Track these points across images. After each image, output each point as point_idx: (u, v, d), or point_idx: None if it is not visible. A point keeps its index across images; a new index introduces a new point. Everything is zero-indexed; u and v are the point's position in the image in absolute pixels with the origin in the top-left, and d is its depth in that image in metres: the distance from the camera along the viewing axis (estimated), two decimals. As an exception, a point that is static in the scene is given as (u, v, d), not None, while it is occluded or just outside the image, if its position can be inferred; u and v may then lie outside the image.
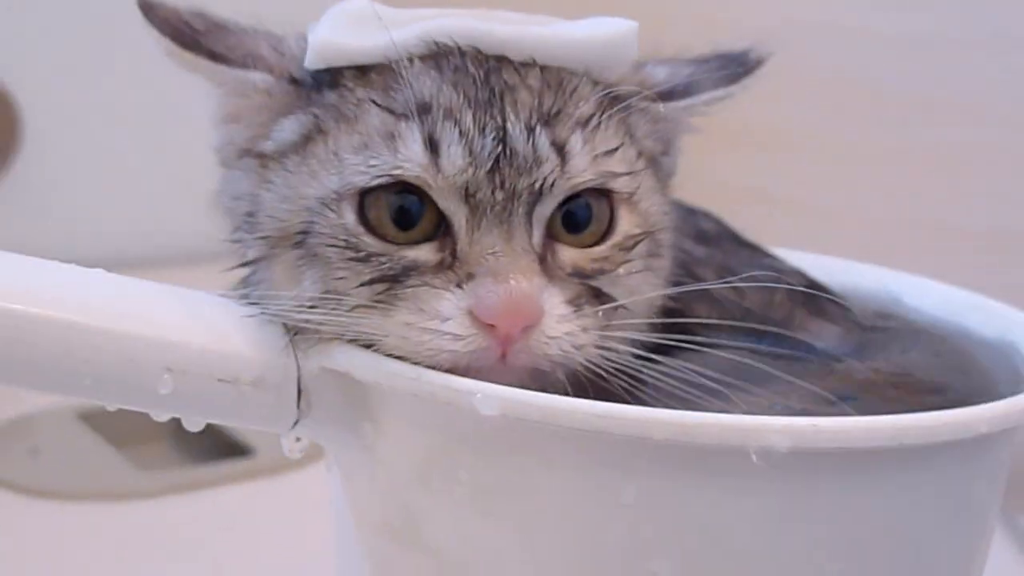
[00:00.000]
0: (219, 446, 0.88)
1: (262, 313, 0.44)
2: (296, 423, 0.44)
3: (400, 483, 0.44)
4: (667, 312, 0.47)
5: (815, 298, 0.52)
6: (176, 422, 0.85)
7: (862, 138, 1.01)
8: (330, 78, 0.45)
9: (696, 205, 0.56)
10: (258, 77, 0.46)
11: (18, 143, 1.17)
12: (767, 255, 0.55)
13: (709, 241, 0.53)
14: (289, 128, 0.46)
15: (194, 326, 0.43)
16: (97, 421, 0.89)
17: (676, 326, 0.46)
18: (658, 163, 0.49)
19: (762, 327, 0.48)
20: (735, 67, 0.49)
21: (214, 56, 0.46)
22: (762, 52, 0.49)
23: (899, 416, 0.39)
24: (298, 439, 0.46)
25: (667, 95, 0.48)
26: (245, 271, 0.47)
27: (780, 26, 1.01)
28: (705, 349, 0.45)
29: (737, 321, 0.48)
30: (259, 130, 0.46)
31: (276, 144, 0.46)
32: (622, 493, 0.40)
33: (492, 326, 0.41)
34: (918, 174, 0.98)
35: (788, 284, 0.52)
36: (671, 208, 0.50)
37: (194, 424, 0.44)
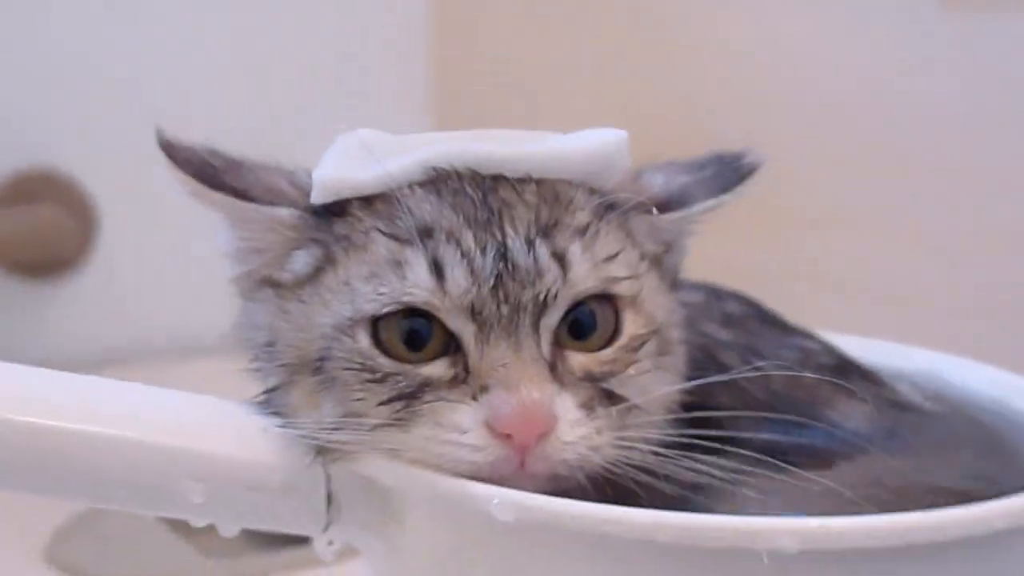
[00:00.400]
0: (285, 534, 0.89)
1: (287, 430, 0.46)
2: (327, 527, 0.46)
3: (427, 581, 0.45)
4: (688, 405, 0.48)
5: (845, 375, 0.52)
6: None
7: (916, 215, 1.00)
8: (338, 208, 0.47)
9: (725, 287, 0.56)
10: (285, 213, 0.48)
11: (95, 236, 1.20)
12: (796, 333, 0.55)
13: (734, 324, 0.54)
14: (302, 260, 0.47)
15: (223, 436, 0.45)
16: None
17: (698, 418, 0.46)
18: (661, 263, 0.50)
19: (784, 416, 0.48)
20: (729, 174, 0.50)
21: (239, 194, 0.48)
22: (756, 159, 0.50)
23: (907, 514, 0.39)
24: (330, 542, 0.47)
25: (662, 206, 0.49)
26: (268, 397, 0.48)
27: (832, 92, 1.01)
28: (728, 441, 0.45)
29: (762, 406, 0.48)
30: (278, 261, 0.48)
31: (291, 275, 0.47)
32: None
33: (508, 436, 0.42)
34: (969, 253, 0.96)
35: (816, 364, 0.52)
36: (690, 287, 0.51)
37: (227, 530, 0.46)
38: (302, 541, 0.86)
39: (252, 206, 0.48)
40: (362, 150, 0.47)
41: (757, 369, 0.48)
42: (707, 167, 0.51)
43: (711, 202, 0.50)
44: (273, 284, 0.48)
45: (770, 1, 1.08)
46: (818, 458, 0.46)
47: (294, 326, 0.47)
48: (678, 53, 1.12)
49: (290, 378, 0.47)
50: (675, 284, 0.51)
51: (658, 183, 0.50)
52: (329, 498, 0.45)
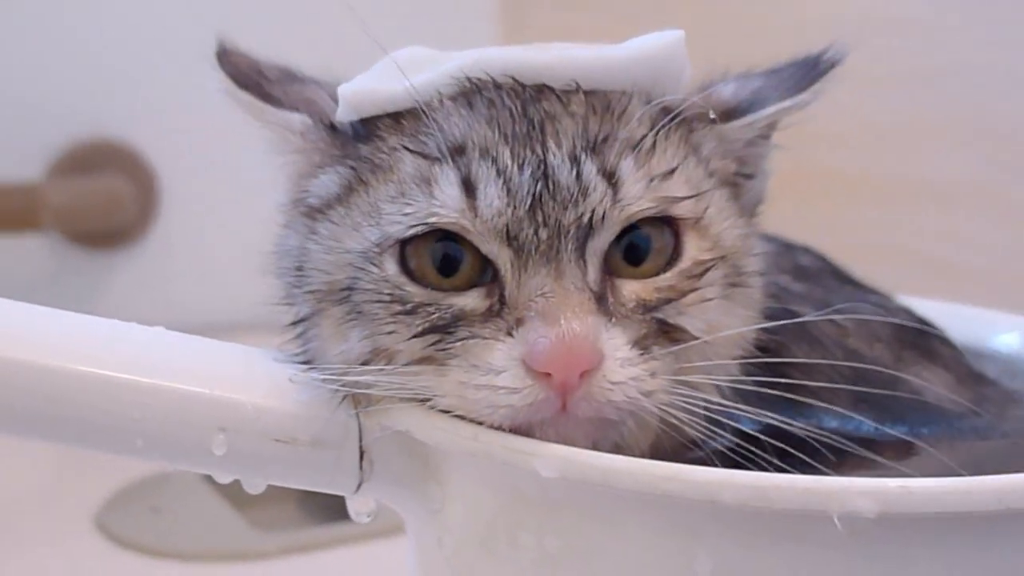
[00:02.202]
0: (340, 506, 0.87)
1: (311, 375, 0.42)
2: (360, 485, 0.42)
3: (465, 548, 0.41)
4: (760, 353, 0.43)
5: (925, 338, 0.48)
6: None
7: (996, 186, 0.95)
8: (366, 130, 0.43)
9: (796, 240, 0.52)
10: (296, 119, 0.45)
11: (156, 208, 1.20)
12: (872, 292, 0.51)
13: (808, 277, 0.49)
14: (329, 181, 0.44)
15: (248, 384, 0.41)
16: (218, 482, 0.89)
17: (770, 369, 0.42)
18: (738, 186, 0.45)
19: (865, 389, 0.43)
20: (806, 73, 0.45)
21: (264, 97, 0.45)
22: (837, 53, 0.45)
23: (1000, 477, 0.34)
24: (365, 503, 0.44)
25: (730, 113, 0.45)
26: (298, 329, 0.45)
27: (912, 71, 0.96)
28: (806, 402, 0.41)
29: (840, 362, 0.44)
30: (302, 180, 0.45)
31: (319, 198, 0.44)
32: (694, 561, 0.36)
33: (548, 374, 0.38)
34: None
35: (895, 321, 0.48)
36: (761, 238, 0.46)
37: (254, 486, 0.43)
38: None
39: (268, 107, 0.45)
40: (402, 63, 0.43)
41: (844, 318, 0.44)
42: (784, 70, 0.46)
43: (786, 103, 0.44)
44: (304, 206, 0.45)
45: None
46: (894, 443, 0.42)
47: (323, 248, 0.43)
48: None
49: (318, 307, 0.43)
50: (755, 212, 0.46)
51: (728, 92, 0.45)
52: (362, 453, 0.42)
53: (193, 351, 0.42)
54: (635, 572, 0.38)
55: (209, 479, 0.88)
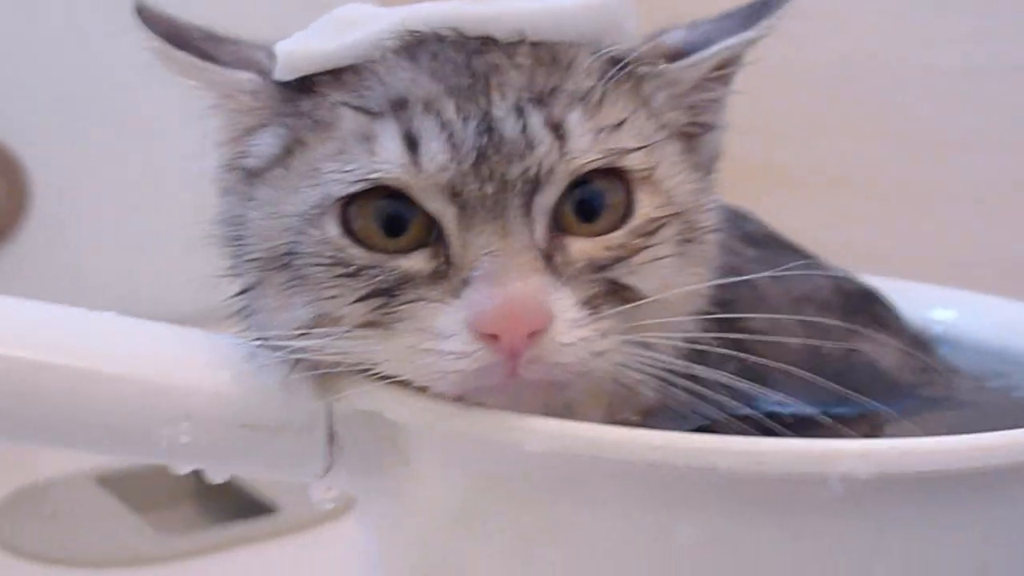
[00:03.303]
0: (241, 505, 0.85)
1: (258, 345, 0.40)
2: (328, 470, 0.41)
3: (436, 530, 0.41)
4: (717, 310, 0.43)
5: (871, 303, 0.49)
6: (195, 483, 0.82)
7: (914, 174, 0.98)
8: (306, 85, 0.42)
9: (740, 207, 0.52)
10: (245, 77, 0.43)
11: (26, 206, 1.16)
12: (813, 257, 0.51)
13: (757, 242, 0.49)
14: (267, 141, 0.42)
15: (213, 369, 0.40)
16: (116, 485, 0.86)
17: (725, 332, 0.41)
18: (692, 137, 0.44)
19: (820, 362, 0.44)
20: (755, 12, 0.44)
21: (205, 56, 0.43)
22: None
23: (989, 434, 0.35)
24: (328, 488, 0.43)
25: (678, 55, 0.44)
26: (243, 301, 0.43)
27: (839, 62, 0.99)
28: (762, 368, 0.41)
29: (796, 337, 0.44)
30: (243, 142, 0.43)
31: (257, 159, 0.42)
32: (680, 534, 0.36)
33: (495, 337, 0.37)
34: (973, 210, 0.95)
35: (844, 290, 0.49)
36: (714, 194, 0.45)
37: (219, 475, 0.41)
38: (258, 512, 0.84)
39: (214, 67, 0.43)
40: (339, 21, 0.42)
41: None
42: (735, 15, 0.44)
43: (731, 40, 0.43)
44: (242, 170, 0.43)
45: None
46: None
47: (262, 214, 0.41)
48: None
49: (260, 276, 0.41)
50: (711, 167, 0.45)
51: (678, 37, 0.44)
52: (331, 437, 0.41)
53: (151, 337, 0.41)
54: (614, 546, 0.37)
55: (106, 481, 0.86)
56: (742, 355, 0.41)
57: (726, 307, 0.43)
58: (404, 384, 0.39)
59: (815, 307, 0.47)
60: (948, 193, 0.95)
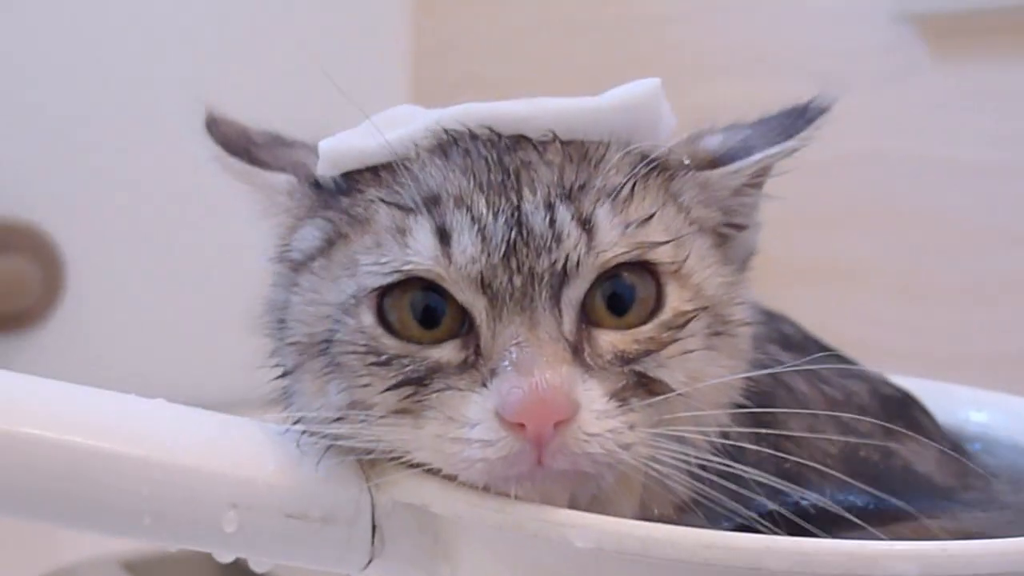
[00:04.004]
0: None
1: (297, 430, 0.42)
2: (369, 562, 0.41)
3: (481, 625, 0.40)
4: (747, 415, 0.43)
5: (908, 409, 0.49)
6: (222, 571, 0.82)
7: (928, 270, 0.98)
8: (347, 184, 0.43)
9: (773, 309, 0.52)
10: (283, 179, 0.45)
11: (61, 291, 1.17)
12: (851, 362, 0.51)
13: (793, 346, 0.49)
14: (310, 234, 0.44)
15: (260, 459, 0.40)
16: (142, 571, 0.86)
17: (762, 436, 0.41)
18: (725, 236, 0.45)
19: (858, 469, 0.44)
20: (793, 121, 0.45)
21: (253, 161, 0.45)
22: (824, 102, 0.45)
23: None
24: (369, 581, 0.43)
25: (717, 161, 0.44)
26: (283, 384, 0.44)
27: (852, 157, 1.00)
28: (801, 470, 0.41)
29: (833, 435, 0.44)
30: (288, 236, 0.45)
31: (301, 252, 0.44)
32: (732, 631, 0.36)
33: (521, 426, 0.37)
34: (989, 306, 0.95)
35: (881, 394, 0.49)
36: (747, 291, 0.45)
37: (260, 565, 0.41)
38: None
39: (256, 170, 0.45)
40: (386, 120, 0.43)
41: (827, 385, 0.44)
42: (773, 119, 0.45)
43: (772, 150, 0.44)
44: (287, 260, 0.44)
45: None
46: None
47: (304, 300, 0.43)
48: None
49: (299, 360, 0.42)
50: (744, 265, 0.46)
51: (716, 141, 0.45)
52: (374, 529, 0.41)
53: (199, 424, 0.41)
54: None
55: (131, 567, 0.85)
56: (780, 454, 0.41)
57: (763, 407, 0.43)
58: (449, 477, 0.40)
59: (853, 410, 0.47)
60: (973, 289, 0.95)
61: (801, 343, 0.50)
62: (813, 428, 0.45)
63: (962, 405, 0.57)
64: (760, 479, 0.39)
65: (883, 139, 1.03)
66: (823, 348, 0.51)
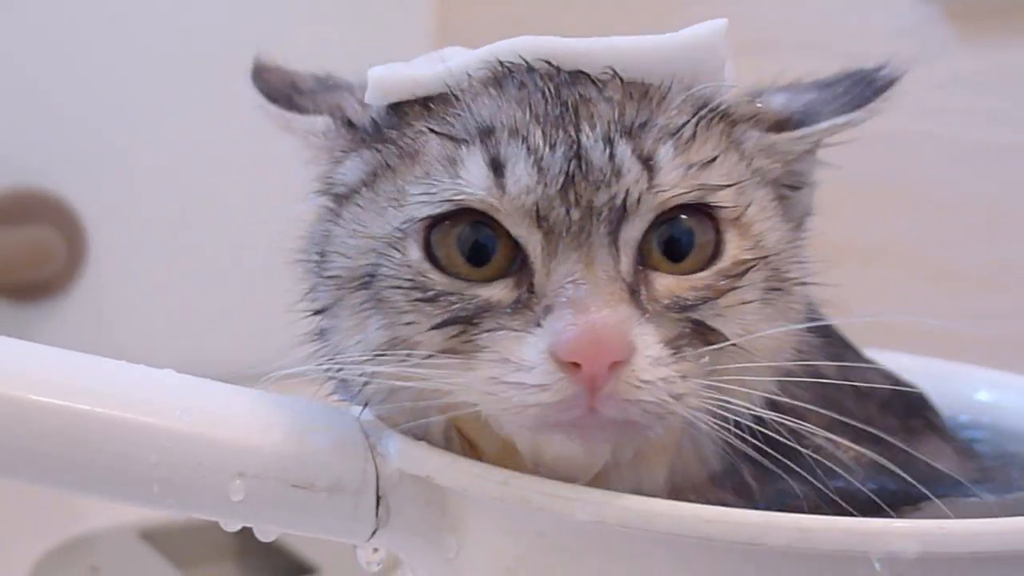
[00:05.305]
0: (283, 565, 0.86)
1: (329, 369, 0.41)
2: (375, 532, 0.42)
3: (484, 596, 0.41)
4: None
5: (925, 408, 0.49)
6: (237, 541, 0.83)
7: (949, 250, 0.98)
8: (395, 116, 0.43)
9: None
10: (320, 121, 0.45)
11: (85, 258, 1.18)
12: (871, 360, 0.51)
13: (821, 334, 0.48)
14: (355, 166, 0.43)
15: (268, 429, 0.41)
16: (159, 540, 0.87)
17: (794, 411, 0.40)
18: (782, 193, 0.44)
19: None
20: (861, 90, 0.44)
21: (291, 107, 0.45)
22: (895, 71, 0.44)
23: (1033, 518, 0.35)
24: (376, 550, 0.43)
25: (782, 124, 0.44)
26: (317, 321, 0.43)
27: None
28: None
29: (860, 424, 0.43)
30: (325, 173, 0.45)
31: (345, 184, 0.43)
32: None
33: (576, 366, 0.36)
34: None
35: (901, 387, 0.49)
36: (803, 251, 0.44)
37: (266, 534, 0.42)
38: (300, 573, 0.84)
39: (292, 115, 0.45)
40: (429, 57, 0.43)
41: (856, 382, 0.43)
42: (838, 84, 0.44)
43: (840, 119, 0.43)
44: (330, 194, 0.44)
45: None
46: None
47: (346, 232, 0.42)
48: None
49: (338, 295, 0.41)
50: (802, 223, 0.45)
51: (779, 101, 0.44)
52: (379, 499, 0.41)
53: (207, 395, 0.41)
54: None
55: (148, 536, 0.87)
56: (818, 432, 0.40)
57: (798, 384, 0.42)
58: (453, 450, 0.40)
59: (876, 404, 0.47)
60: (999, 273, 0.95)
61: (826, 332, 0.49)
62: (843, 412, 0.44)
63: (973, 385, 0.57)
64: (803, 431, 0.39)
65: (906, 120, 1.02)
66: (846, 343, 0.50)
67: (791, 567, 0.35)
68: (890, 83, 0.43)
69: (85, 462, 0.39)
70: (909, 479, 0.41)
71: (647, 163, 0.39)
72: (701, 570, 0.37)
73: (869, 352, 0.52)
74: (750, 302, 0.40)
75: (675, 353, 0.38)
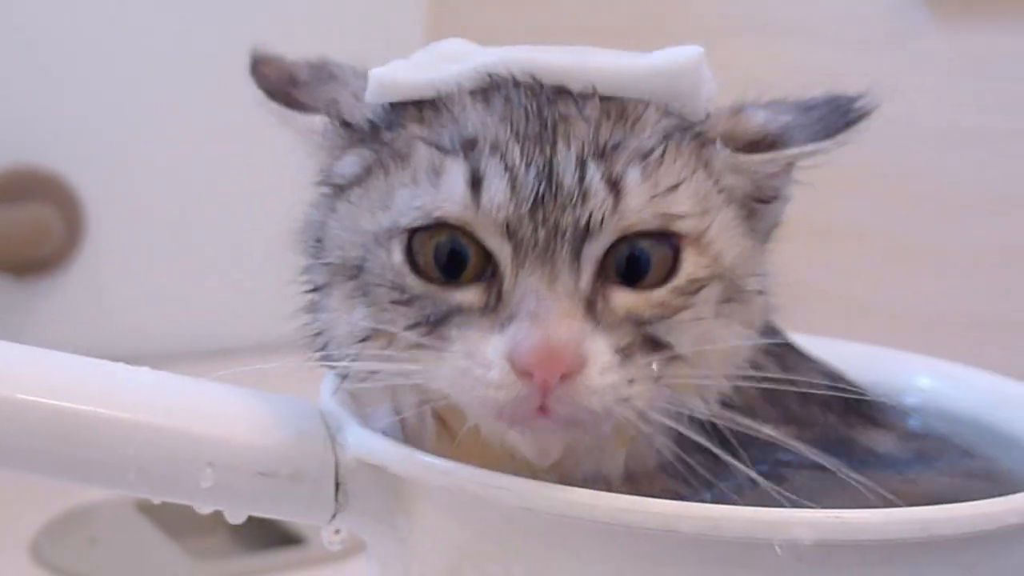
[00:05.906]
0: (273, 535, 0.89)
1: (318, 349, 0.45)
2: (334, 516, 0.45)
3: (437, 575, 0.44)
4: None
5: (864, 403, 0.51)
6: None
7: (905, 231, 1.00)
8: (392, 115, 0.46)
9: None
10: (317, 120, 0.47)
11: (82, 236, 1.19)
12: (815, 359, 0.53)
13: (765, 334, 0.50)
14: (352, 162, 0.46)
15: (235, 421, 0.44)
16: (154, 512, 0.90)
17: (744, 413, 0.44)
18: (750, 208, 0.46)
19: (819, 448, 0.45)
20: (836, 119, 0.45)
21: (291, 104, 0.48)
22: (870, 103, 0.45)
23: (926, 508, 0.39)
24: (337, 531, 0.47)
25: (755, 144, 0.46)
26: (312, 298, 0.47)
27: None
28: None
29: (802, 426, 0.47)
30: (324, 166, 0.47)
31: (342, 177, 0.46)
32: (654, 586, 0.40)
33: (530, 374, 0.39)
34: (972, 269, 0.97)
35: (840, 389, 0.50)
36: (767, 261, 0.46)
37: (236, 516, 0.46)
38: (288, 543, 0.88)
39: (295, 114, 0.48)
40: (437, 54, 0.45)
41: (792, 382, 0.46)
42: (816, 109, 0.46)
43: (808, 147, 0.45)
44: (327, 186, 0.47)
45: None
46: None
47: (340, 226, 0.45)
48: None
49: (331, 279, 0.45)
50: (768, 234, 0.47)
51: (758, 120, 0.46)
52: (337, 486, 0.45)
53: (180, 390, 0.45)
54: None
55: (144, 508, 0.90)
56: (761, 427, 0.43)
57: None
58: (405, 440, 0.44)
59: (817, 404, 0.49)
60: (972, 255, 0.97)
61: (769, 331, 0.51)
62: (787, 412, 0.47)
63: (913, 372, 0.60)
64: (744, 429, 0.42)
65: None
66: (790, 344, 0.52)
67: (703, 552, 0.39)
68: (862, 116, 0.45)
69: (67, 454, 0.42)
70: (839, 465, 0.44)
71: (615, 187, 0.41)
72: (626, 552, 0.40)
73: (820, 341, 0.54)
74: (703, 318, 0.43)
75: (624, 360, 0.41)
